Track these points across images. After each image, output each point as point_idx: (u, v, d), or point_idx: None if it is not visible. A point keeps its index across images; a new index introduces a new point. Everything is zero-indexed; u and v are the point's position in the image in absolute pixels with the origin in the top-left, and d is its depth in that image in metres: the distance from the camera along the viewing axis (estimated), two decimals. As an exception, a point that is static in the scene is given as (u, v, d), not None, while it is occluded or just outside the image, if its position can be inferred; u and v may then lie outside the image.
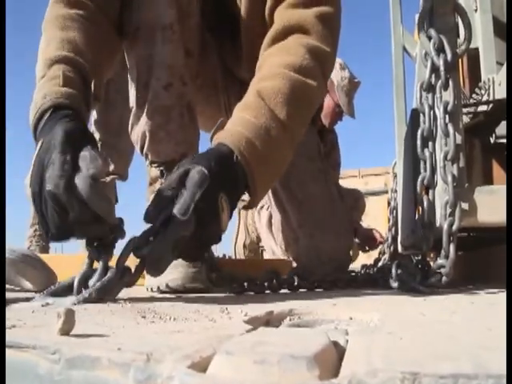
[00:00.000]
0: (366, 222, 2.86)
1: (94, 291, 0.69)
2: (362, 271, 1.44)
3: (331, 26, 1.08)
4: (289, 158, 0.99)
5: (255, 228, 2.53)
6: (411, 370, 0.28)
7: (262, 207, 2.13)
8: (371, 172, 4.30)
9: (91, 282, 0.72)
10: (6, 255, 0.88)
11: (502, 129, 1.40)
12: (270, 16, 1.12)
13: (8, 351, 0.37)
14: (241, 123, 0.90)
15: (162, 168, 1.16)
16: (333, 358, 0.33)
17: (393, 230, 2.10)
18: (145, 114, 1.12)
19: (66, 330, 0.39)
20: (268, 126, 0.90)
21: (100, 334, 0.40)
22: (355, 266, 1.81)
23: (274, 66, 0.99)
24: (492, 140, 1.44)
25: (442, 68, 1.02)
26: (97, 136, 2.30)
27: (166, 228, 0.73)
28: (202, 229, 0.77)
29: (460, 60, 1.80)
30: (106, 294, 0.71)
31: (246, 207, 0.93)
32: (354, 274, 1.34)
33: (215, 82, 1.39)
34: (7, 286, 0.94)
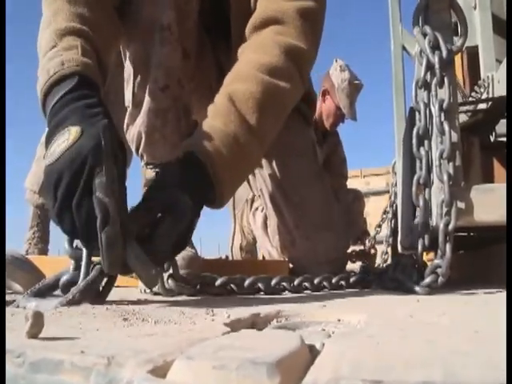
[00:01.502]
0: (368, 221, 2.84)
1: (78, 292, 0.67)
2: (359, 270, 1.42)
3: (312, 22, 1.06)
4: (257, 162, 1.01)
5: (251, 230, 2.52)
6: (375, 378, 0.27)
7: (256, 209, 2.11)
8: (373, 172, 4.27)
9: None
10: (-5, 257, 0.88)
11: (501, 127, 1.38)
12: (254, 4, 1.10)
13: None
14: (211, 131, 0.89)
15: (157, 169, 1.16)
16: (300, 363, 0.32)
17: (392, 222, 2.08)
18: (141, 114, 1.12)
19: (33, 334, 0.38)
20: (237, 133, 0.90)
21: (69, 337, 0.39)
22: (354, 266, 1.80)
23: (249, 65, 0.98)
24: (492, 138, 1.42)
25: (437, 65, 1.00)
26: None
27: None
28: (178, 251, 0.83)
29: (460, 58, 1.79)
30: (90, 295, 0.69)
31: (213, 207, 0.93)
32: (353, 273, 1.33)
33: (210, 83, 1.38)
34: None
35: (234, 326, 0.52)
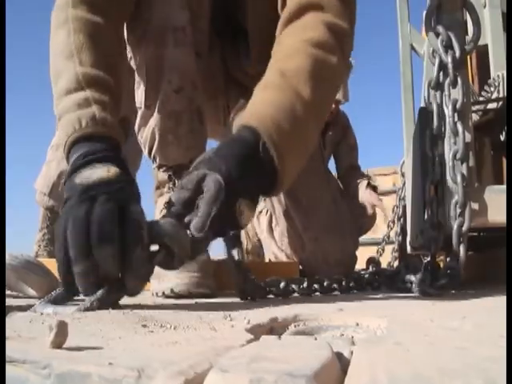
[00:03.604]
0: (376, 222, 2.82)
1: (96, 301, 0.67)
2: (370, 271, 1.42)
3: (348, 3, 1.02)
4: (315, 138, 0.95)
5: (255, 233, 2.51)
6: (417, 389, 0.26)
7: (260, 212, 2.10)
8: (379, 172, 4.23)
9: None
10: (9, 262, 0.87)
11: (512, 126, 1.37)
12: (274, 3, 1.06)
13: (-1, 365, 0.36)
14: (265, 103, 0.84)
15: (169, 172, 1.15)
16: (335, 373, 0.31)
17: (401, 220, 2.07)
18: (154, 116, 1.11)
19: (58, 343, 0.37)
20: (293, 106, 0.84)
21: (93, 347, 0.38)
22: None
23: (294, 42, 0.94)
24: (502, 138, 1.41)
25: (450, 65, 1.00)
26: None
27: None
28: (219, 233, 0.78)
29: (469, 57, 1.78)
30: (108, 303, 0.69)
31: (269, 195, 0.90)
32: (363, 275, 1.32)
33: (216, 84, 1.38)
34: (10, 293, 0.93)
35: (255, 331, 0.51)
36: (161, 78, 1.07)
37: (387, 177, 4.15)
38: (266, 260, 2.50)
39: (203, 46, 1.13)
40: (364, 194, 2.45)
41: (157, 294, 1.02)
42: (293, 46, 0.93)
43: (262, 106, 0.85)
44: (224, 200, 0.72)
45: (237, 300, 0.94)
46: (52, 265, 1.08)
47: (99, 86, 0.84)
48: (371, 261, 2.31)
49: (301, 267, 1.43)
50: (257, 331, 0.52)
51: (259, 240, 2.59)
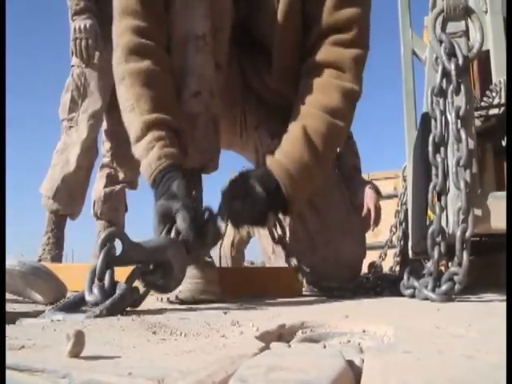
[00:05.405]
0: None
1: (105, 309, 0.69)
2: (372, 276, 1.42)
3: (362, 66, 1.22)
4: (319, 181, 1.23)
5: None
6: (432, 399, 0.27)
7: None
8: (381, 176, 4.22)
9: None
10: (17, 268, 0.88)
11: (514, 132, 1.38)
12: (312, 46, 1.23)
13: (18, 374, 0.36)
14: (285, 155, 1.13)
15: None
16: (349, 382, 0.32)
17: (403, 224, 2.08)
18: None
19: (75, 353, 0.38)
20: (308, 162, 1.13)
21: (110, 356, 0.39)
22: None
23: (312, 105, 1.18)
24: (504, 143, 1.42)
25: (453, 72, 1.01)
26: (107, 145, 2.32)
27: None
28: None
29: (470, 62, 1.79)
30: (116, 312, 0.70)
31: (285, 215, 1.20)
32: (366, 279, 1.33)
33: (234, 94, 1.40)
34: (17, 299, 0.94)
35: (264, 338, 0.52)
36: (180, 84, 1.10)
37: (388, 181, 4.15)
38: (250, 256, 2.48)
39: (223, 57, 1.16)
40: (365, 195, 2.50)
41: (161, 299, 1.03)
42: (312, 109, 1.18)
43: (283, 157, 1.13)
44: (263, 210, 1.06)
45: (240, 305, 0.95)
46: (58, 270, 1.09)
47: (158, 126, 1.04)
48: (372, 265, 2.31)
49: (310, 272, 1.43)
50: (266, 338, 0.52)
51: (248, 233, 2.57)
